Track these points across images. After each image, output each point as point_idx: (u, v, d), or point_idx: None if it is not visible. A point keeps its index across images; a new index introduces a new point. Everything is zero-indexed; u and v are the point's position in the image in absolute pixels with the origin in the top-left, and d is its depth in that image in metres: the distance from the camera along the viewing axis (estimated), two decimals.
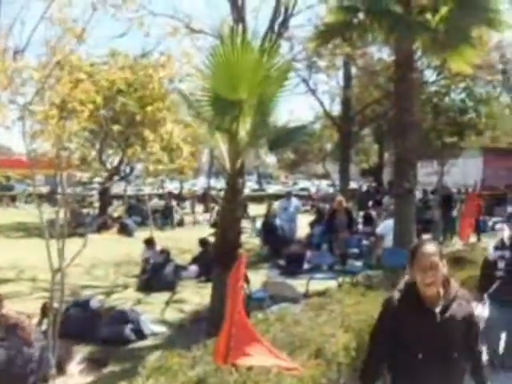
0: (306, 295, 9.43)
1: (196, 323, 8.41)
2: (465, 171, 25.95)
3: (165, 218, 24.91)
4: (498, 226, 18.31)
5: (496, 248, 6.58)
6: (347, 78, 21.42)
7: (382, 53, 17.47)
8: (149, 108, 13.12)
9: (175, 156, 16.34)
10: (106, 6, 9.77)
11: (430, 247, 3.31)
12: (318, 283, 10.57)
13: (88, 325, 7.69)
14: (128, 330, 7.72)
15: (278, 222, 16.03)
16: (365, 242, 15.15)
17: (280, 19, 12.99)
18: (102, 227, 21.45)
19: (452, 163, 19.72)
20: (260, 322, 4.99)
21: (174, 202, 27.52)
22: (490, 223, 20.15)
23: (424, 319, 3.27)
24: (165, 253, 12.18)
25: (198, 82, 8.04)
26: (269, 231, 15.49)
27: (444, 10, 10.10)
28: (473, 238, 14.85)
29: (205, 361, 3.82)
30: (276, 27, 12.89)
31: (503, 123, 28.22)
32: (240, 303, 3.43)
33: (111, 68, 14.88)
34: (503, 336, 6.60)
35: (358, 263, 13.38)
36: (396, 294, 3.50)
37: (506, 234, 6.52)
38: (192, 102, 8.26)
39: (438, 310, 3.26)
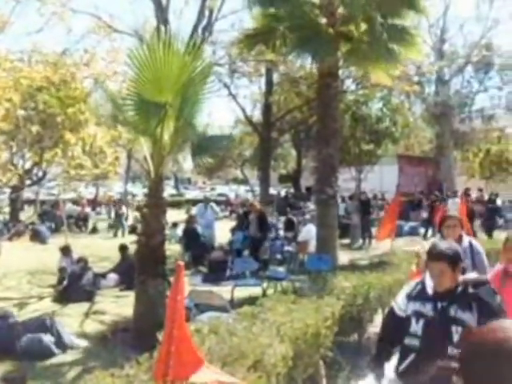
0: (232, 303, 9.30)
1: (118, 335, 8.07)
2: (381, 178, 26.82)
3: (80, 224, 24.06)
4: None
5: (409, 297, 3.85)
6: (269, 84, 21.55)
7: (302, 60, 17.66)
8: (70, 109, 12.55)
9: (98, 160, 15.73)
10: None
11: None
12: (242, 290, 10.48)
13: (4, 338, 7.18)
14: (48, 340, 7.26)
15: (199, 228, 15.82)
16: (287, 248, 15.23)
17: (204, 23, 12.86)
18: (13, 234, 20.39)
19: (369, 170, 20.28)
20: (193, 333, 4.80)
21: (89, 208, 26.67)
22: (406, 228, 20.91)
23: None
24: (82, 261, 11.65)
25: (122, 83, 7.78)
26: (190, 238, 15.25)
27: (365, 24, 10.34)
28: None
29: (140, 379, 3.59)
30: (200, 30, 12.74)
31: (417, 132, 29.49)
32: (181, 317, 3.24)
33: (31, 65, 14.14)
34: None
35: (281, 269, 13.42)
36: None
37: (427, 277, 3.78)
38: (116, 104, 7.99)
39: None
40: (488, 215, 20.61)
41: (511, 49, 32.03)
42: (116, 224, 22.97)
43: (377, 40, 10.13)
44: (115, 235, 21.76)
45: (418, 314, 3.69)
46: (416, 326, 3.68)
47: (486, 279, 3.93)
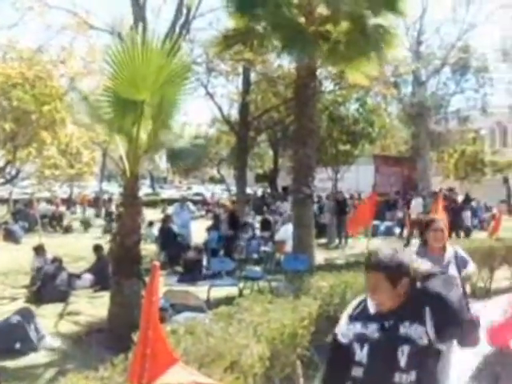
0: (208, 303, 9.26)
1: (92, 336, 7.96)
2: (358, 178, 26.99)
3: (54, 223, 23.76)
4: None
5: (351, 318, 3.14)
6: (246, 83, 21.51)
7: (281, 60, 17.75)
8: (46, 107, 12.33)
9: (74, 160, 15.50)
10: None
11: None
12: (219, 290, 10.44)
13: None
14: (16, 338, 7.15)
15: (175, 227, 15.73)
16: (263, 248, 15.23)
17: (182, 21, 12.78)
18: None
19: (345, 170, 20.38)
20: (168, 334, 4.75)
21: (63, 207, 26.35)
22: (381, 227, 21.10)
23: None
24: (57, 261, 11.49)
25: (99, 81, 7.70)
26: (166, 237, 15.14)
27: (344, 24, 10.37)
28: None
29: (115, 382, 3.53)
30: (177, 28, 12.66)
31: (393, 133, 29.78)
32: (156, 318, 3.19)
33: (6, 61, 13.84)
34: None
35: (258, 269, 13.41)
36: None
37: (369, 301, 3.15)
38: (91, 102, 7.90)
39: None
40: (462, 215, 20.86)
41: (487, 51, 32.49)
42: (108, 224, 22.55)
43: (355, 40, 10.17)
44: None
45: (362, 338, 3.02)
46: (360, 354, 3.01)
47: (440, 270, 3.15)
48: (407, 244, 16.75)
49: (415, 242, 9.63)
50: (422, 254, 4.88)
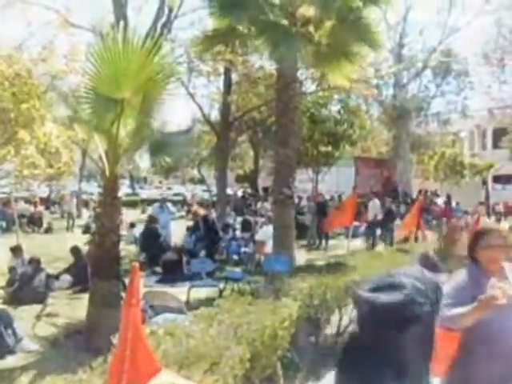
0: (188, 304, 9.21)
1: (71, 338, 7.87)
2: (338, 179, 27.09)
3: (33, 223, 23.49)
4: None
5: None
6: (228, 84, 21.50)
7: (263, 61, 17.76)
8: (24, 105, 12.11)
9: (53, 160, 15.28)
10: None
11: None
12: (199, 291, 10.40)
13: None
14: None
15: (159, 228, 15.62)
16: (244, 249, 15.20)
17: (163, 20, 12.72)
18: None
19: (326, 171, 20.45)
20: (148, 336, 4.70)
21: (42, 207, 26.06)
22: (361, 228, 21.16)
23: None
24: (34, 262, 11.33)
25: (80, 79, 7.62)
26: (150, 238, 15.01)
27: (327, 24, 10.39)
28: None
29: None
30: (159, 27, 12.59)
31: (374, 135, 29.97)
32: (136, 320, 3.15)
33: None
34: None
35: (238, 269, 13.38)
36: None
37: None
38: (71, 101, 7.82)
39: None
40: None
41: (468, 55, 32.91)
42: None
43: (337, 40, 10.20)
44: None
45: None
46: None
47: None
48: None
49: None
50: (474, 279, 3.51)
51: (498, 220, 21.03)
